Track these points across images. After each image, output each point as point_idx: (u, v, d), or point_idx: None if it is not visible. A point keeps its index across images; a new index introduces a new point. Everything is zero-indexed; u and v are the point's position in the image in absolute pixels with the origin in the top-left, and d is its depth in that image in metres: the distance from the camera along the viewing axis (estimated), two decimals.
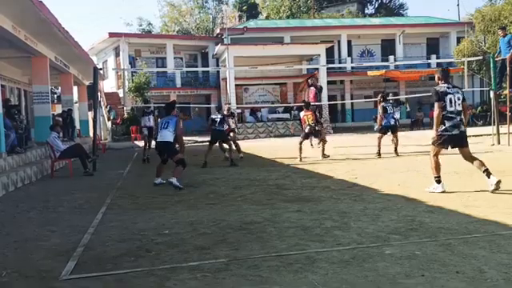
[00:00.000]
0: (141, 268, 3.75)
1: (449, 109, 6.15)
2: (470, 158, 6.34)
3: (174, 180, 7.79)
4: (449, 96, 6.17)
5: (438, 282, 3.19)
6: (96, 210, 6.18)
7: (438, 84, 6.39)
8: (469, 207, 5.42)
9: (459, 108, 6.19)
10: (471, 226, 4.62)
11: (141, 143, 21.20)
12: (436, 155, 6.36)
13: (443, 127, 6.21)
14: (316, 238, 4.39)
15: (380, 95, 12.42)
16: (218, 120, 11.43)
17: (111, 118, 26.12)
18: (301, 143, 11.74)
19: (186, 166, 8.26)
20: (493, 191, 6.05)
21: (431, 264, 3.53)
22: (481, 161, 6.28)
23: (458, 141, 6.27)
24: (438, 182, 6.34)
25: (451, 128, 6.18)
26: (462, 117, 6.25)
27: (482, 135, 16.35)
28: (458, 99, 6.20)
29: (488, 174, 6.13)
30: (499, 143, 12.84)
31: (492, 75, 13.59)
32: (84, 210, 6.45)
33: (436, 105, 6.24)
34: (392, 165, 9.89)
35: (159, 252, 4.18)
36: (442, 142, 6.27)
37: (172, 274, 3.58)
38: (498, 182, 6.05)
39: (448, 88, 6.25)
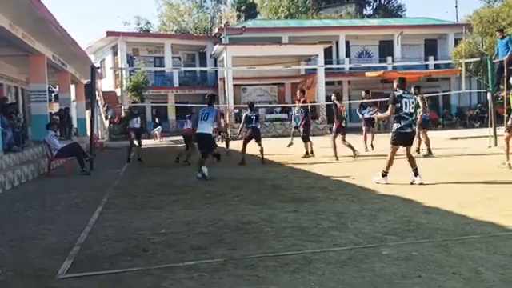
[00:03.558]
0: (137, 267, 3.74)
1: (404, 110, 7.25)
2: (410, 156, 7.44)
3: (204, 169, 8.58)
4: (404, 100, 7.28)
5: (434, 282, 3.20)
6: (93, 209, 6.17)
7: (396, 90, 7.46)
8: (465, 208, 5.43)
9: (412, 110, 7.36)
10: (468, 227, 4.63)
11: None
12: (393, 153, 7.37)
13: (399, 125, 7.27)
14: (313, 239, 4.39)
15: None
16: (254, 118, 11.31)
17: (109, 116, 26.06)
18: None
19: (219, 159, 9.69)
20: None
21: (428, 265, 3.54)
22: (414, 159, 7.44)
23: (408, 139, 7.42)
24: (384, 175, 7.40)
25: (405, 127, 7.27)
26: (413, 118, 7.57)
27: (479, 137, 16.40)
28: (412, 103, 7.35)
29: (416, 173, 7.30)
30: (496, 145, 12.86)
31: (489, 77, 13.63)
32: (81, 208, 6.43)
33: (390, 107, 7.41)
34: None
35: (156, 251, 4.17)
36: (398, 139, 7.34)
37: (168, 273, 3.57)
38: (421, 184, 7.16)
39: (404, 93, 7.37)
